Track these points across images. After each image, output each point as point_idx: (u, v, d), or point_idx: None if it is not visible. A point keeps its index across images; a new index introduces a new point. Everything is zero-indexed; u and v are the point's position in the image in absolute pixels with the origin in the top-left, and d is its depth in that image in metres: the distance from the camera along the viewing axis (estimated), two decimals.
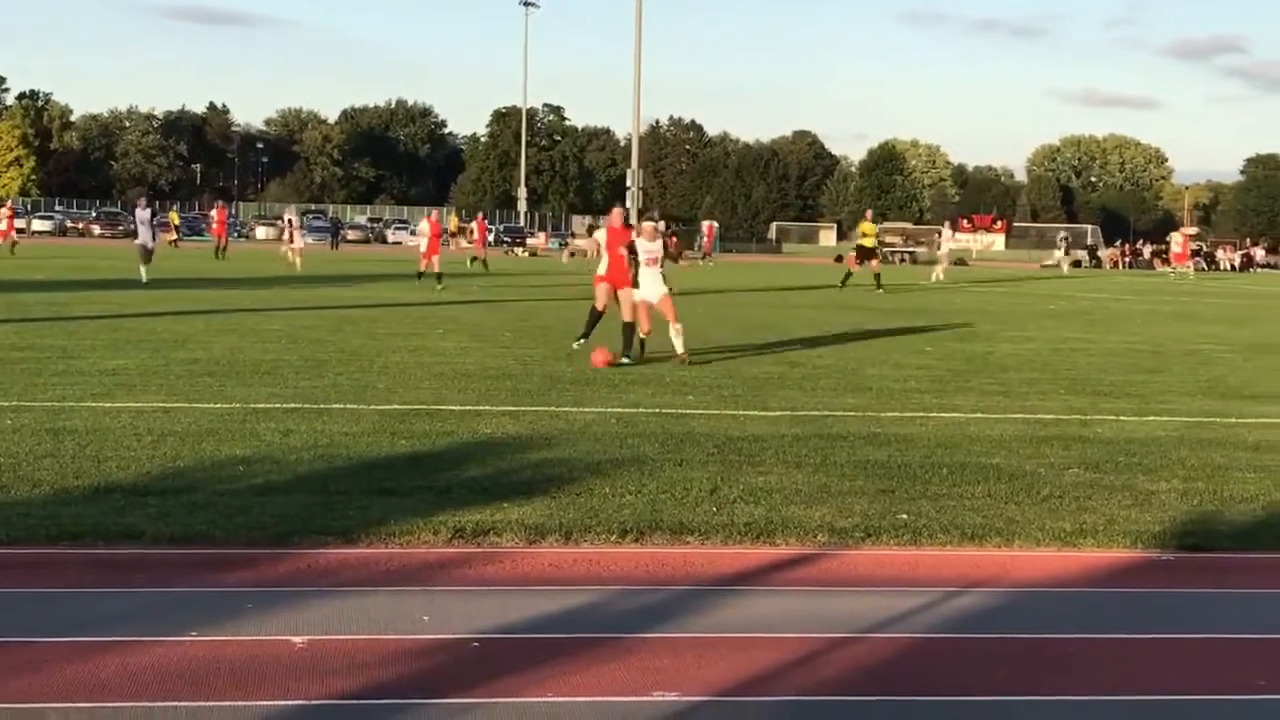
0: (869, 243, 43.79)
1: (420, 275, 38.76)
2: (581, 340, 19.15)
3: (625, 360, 17.90)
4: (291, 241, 51.94)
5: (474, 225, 61.21)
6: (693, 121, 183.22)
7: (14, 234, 57.47)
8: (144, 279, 34.69)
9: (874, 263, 43.15)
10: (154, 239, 37.61)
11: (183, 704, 5.45)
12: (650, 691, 5.74)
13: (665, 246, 18.92)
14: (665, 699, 5.66)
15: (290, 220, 55.51)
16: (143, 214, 37.39)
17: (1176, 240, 73.68)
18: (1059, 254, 79.88)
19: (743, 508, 9.20)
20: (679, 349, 17.98)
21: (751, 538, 8.48)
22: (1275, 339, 26.60)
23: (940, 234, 56.81)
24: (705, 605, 7.12)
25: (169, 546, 7.91)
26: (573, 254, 60.83)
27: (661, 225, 43.42)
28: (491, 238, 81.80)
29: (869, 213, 48.46)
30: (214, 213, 65.74)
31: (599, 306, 19.48)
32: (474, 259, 54.67)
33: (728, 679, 5.93)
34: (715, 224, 43.47)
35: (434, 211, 43.42)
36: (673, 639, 6.52)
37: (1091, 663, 6.36)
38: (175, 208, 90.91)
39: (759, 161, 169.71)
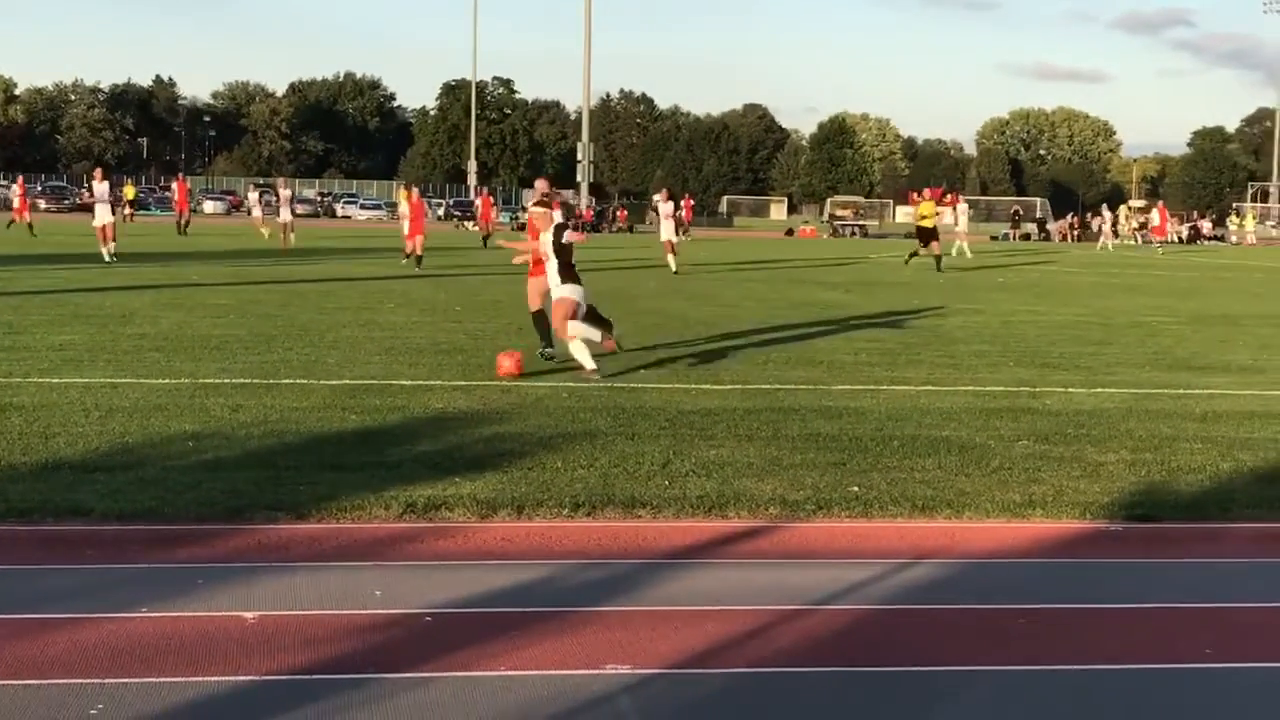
0: (928, 224, 40.58)
1: (418, 258, 34.25)
2: (547, 349, 15.26)
3: (548, 355, 15.15)
4: (278, 215, 48.14)
5: (478, 202, 59.47)
6: (643, 95, 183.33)
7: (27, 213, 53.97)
8: (107, 258, 32.61)
9: (935, 244, 39.91)
10: (113, 214, 34.83)
11: (134, 680, 5.42)
12: (603, 664, 5.75)
13: (560, 234, 14.42)
14: (618, 671, 5.67)
15: (280, 194, 51.20)
16: (100, 188, 34.49)
17: (1154, 213, 70.68)
18: (1106, 226, 69.89)
19: (695, 481, 9.21)
20: (586, 364, 13.97)
21: (703, 511, 8.50)
22: (1221, 310, 26.82)
23: (956, 207, 52.71)
24: (657, 579, 7.13)
25: (118, 523, 7.86)
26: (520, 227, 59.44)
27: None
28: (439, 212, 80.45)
29: (926, 191, 45.71)
30: (174, 186, 63.47)
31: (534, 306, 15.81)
32: (486, 237, 51.37)
33: (681, 651, 5.95)
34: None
35: (414, 189, 38.30)
36: (625, 612, 6.53)
37: (1041, 633, 6.41)
38: (130, 182, 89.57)
39: (710, 135, 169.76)
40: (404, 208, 37.03)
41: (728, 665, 5.83)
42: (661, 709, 5.35)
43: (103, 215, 33.97)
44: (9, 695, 5.27)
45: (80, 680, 5.41)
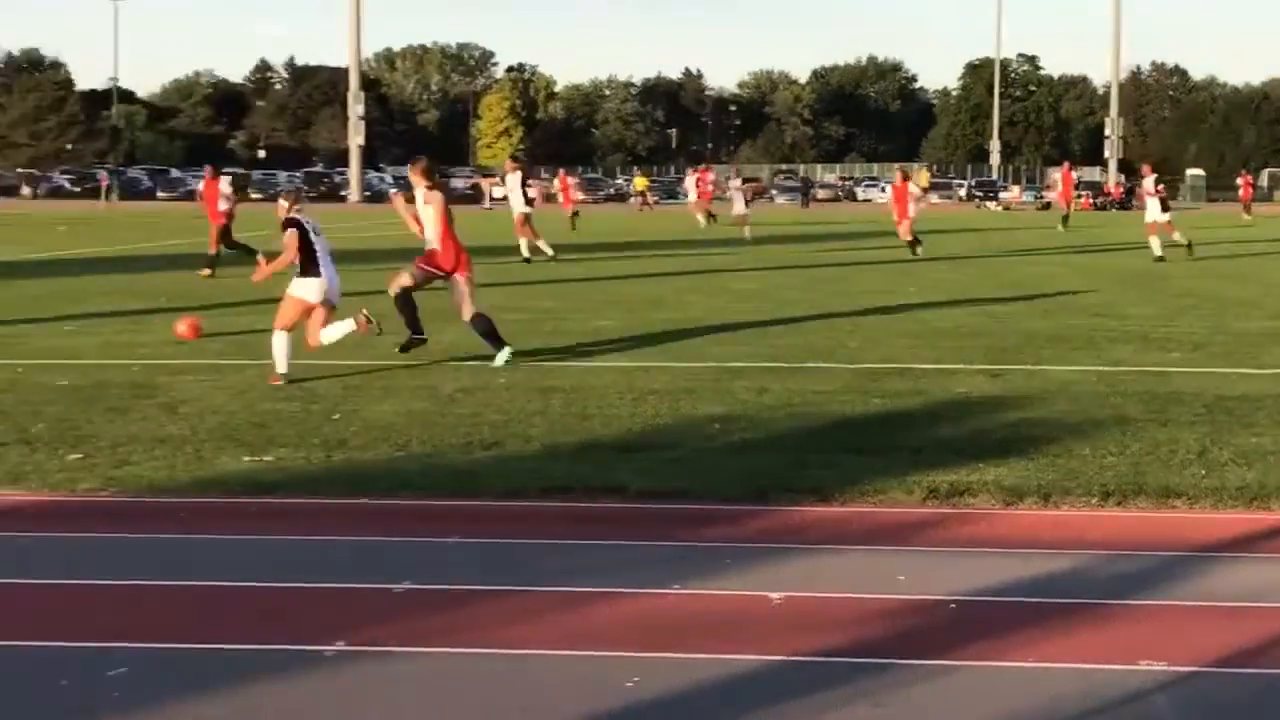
0: None
1: (911, 243, 31.22)
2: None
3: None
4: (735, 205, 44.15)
5: (1058, 176, 51.90)
6: (1176, 66, 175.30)
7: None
8: (525, 253, 29.81)
9: None
10: (529, 206, 30.65)
11: (666, 655, 5.59)
12: (1137, 660, 5.53)
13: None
14: (1153, 668, 5.44)
15: (506, 180, 45.31)
16: (512, 180, 31.52)
17: None
18: None
19: (1234, 471, 8.75)
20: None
21: (1244, 502, 8.06)
22: None
23: None
24: (1193, 572, 6.81)
25: (650, 501, 8.15)
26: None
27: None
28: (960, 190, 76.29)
29: None
30: (693, 177, 55.59)
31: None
32: (1065, 217, 47.18)
33: (1220, 649, 5.66)
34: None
35: (901, 171, 33.38)
36: (1158, 606, 6.27)
37: None
38: (644, 172, 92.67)
39: (1248, 105, 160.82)
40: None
41: (1272, 666, 5.50)
42: (1201, 709, 5.10)
43: (516, 206, 30.88)
44: (551, 664, 5.54)
45: (616, 653, 5.63)
